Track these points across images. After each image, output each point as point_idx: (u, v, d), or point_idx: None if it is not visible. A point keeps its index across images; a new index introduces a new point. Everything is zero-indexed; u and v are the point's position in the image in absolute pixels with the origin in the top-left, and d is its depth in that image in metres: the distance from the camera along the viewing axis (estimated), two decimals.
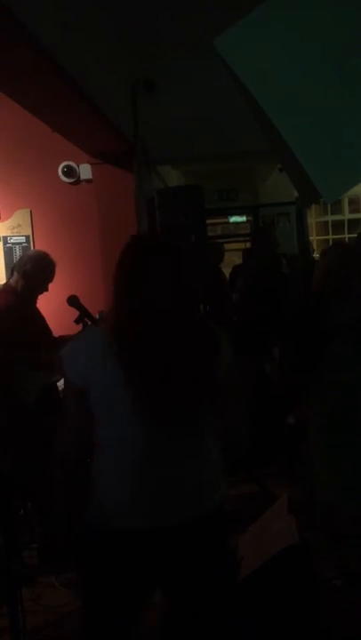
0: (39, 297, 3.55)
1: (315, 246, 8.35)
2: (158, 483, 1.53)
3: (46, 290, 3.41)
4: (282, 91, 1.30)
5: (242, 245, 8.39)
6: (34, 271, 3.28)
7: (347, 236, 9.04)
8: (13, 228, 5.02)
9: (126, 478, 1.54)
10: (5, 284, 3.59)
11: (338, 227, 9.16)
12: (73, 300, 2.90)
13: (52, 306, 3.76)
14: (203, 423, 1.60)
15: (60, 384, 3.15)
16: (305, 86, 1.30)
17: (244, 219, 8.34)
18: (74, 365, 1.57)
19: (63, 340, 3.25)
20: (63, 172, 4.98)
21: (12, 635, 2.09)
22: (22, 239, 5.02)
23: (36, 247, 5.04)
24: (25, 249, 5.02)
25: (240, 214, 8.25)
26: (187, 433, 1.57)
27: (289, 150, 1.27)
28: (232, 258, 7.94)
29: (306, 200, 1.51)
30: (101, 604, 1.55)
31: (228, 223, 8.51)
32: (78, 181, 5.02)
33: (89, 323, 2.82)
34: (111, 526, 1.52)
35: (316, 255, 7.44)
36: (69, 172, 4.97)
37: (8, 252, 5.01)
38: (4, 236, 5.01)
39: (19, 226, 5.02)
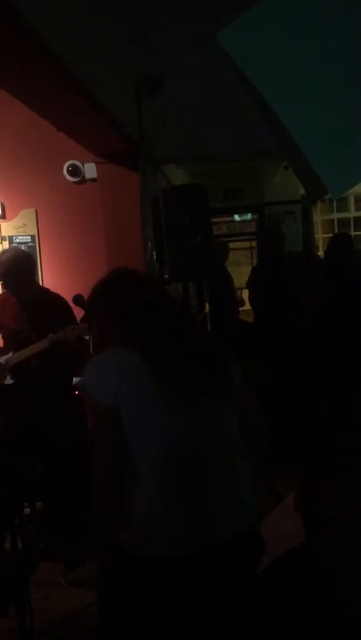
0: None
1: (320, 244, 8.32)
2: (199, 501, 1.51)
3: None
4: (287, 85, 1.29)
5: (247, 244, 8.38)
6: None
7: (352, 233, 9.00)
8: (19, 227, 5.02)
9: (167, 500, 1.50)
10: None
11: (344, 224, 9.12)
12: (79, 300, 2.89)
13: None
14: (234, 430, 1.61)
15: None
16: (310, 80, 1.28)
17: (249, 217, 8.32)
18: (105, 387, 1.53)
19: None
20: (68, 172, 4.98)
21: (20, 635, 2.09)
22: (28, 239, 5.02)
23: (42, 246, 5.05)
24: (31, 248, 5.02)
25: (245, 213, 8.22)
26: (223, 440, 1.58)
27: (295, 145, 1.25)
28: (237, 256, 7.94)
29: (312, 195, 1.49)
30: (134, 630, 1.52)
31: (233, 222, 8.48)
32: (83, 180, 5.02)
33: None
34: (153, 555, 1.49)
35: (320, 253, 7.42)
36: (74, 171, 4.97)
37: None
38: (9, 236, 5.01)
39: (24, 225, 5.02)
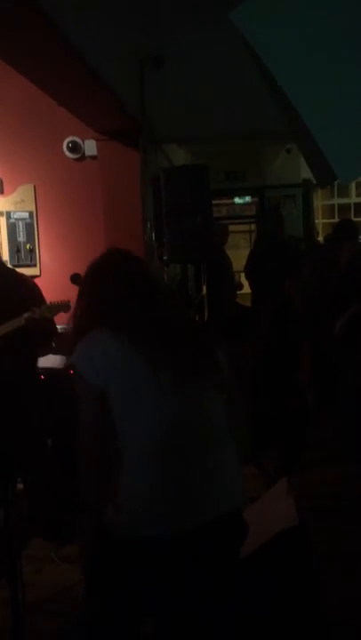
0: (42, 273, 3.52)
1: (320, 229, 8.29)
2: (184, 482, 1.52)
3: None
4: (299, 67, 1.27)
5: (246, 227, 8.34)
6: None
7: (353, 219, 8.98)
8: (17, 203, 4.97)
9: (152, 480, 1.51)
10: None
11: (344, 210, 9.10)
12: (76, 278, 2.87)
13: (55, 283, 3.75)
14: (221, 412, 1.62)
15: None
16: (323, 63, 1.26)
17: (249, 200, 8.27)
18: (94, 370, 1.53)
19: None
20: (68, 148, 4.92)
21: (12, 607, 2.12)
22: (26, 215, 4.98)
23: (40, 223, 5.01)
24: (29, 225, 4.98)
25: (246, 195, 8.17)
26: (210, 422, 1.59)
27: (305, 128, 1.23)
28: (236, 239, 7.90)
29: (321, 181, 1.48)
30: (117, 608, 1.54)
31: (233, 204, 8.43)
32: (83, 158, 4.96)
33: None
34: (137, 535, 1.50)
35: (320, 239, 7.40)
36: (74, 147, 4.92)
37: (11, 228, 4.97)
38: (7, 211, 4.96)
39: (22, 201, 4.97)
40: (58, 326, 3.32)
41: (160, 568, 1.51)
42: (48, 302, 3.15)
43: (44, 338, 3.20)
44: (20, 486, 3.28)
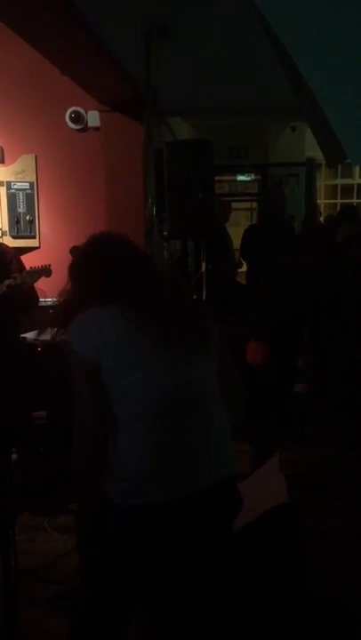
0: (41, 245, 3.48)
1: (322, 210, 8.23)
2: (178, 451, 1.56)
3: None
4: (314, 40, 1.23)
5: (248, 205, 8.27)
6: None
7: (355, 200, 8.92)
8: (17, 173, 4.92)
9: (147, 450, 1.54)
10: None
11: (347, 191, 9.02)
12: (76, 252, 2.86)
13: (54, 255, 3.72)
14: (212, 382, 1.67)
15: None
16: (339, 37, 1.22)
17: (252, 177, 8.18)
18: (87, 341, 1.58)
19: None
20: (70, 118, 4.85)
21: (4, 575, 2.15)
22: (26, 185, 4.93)
23: (40, 195, 4.96)
24: (29, 196, 4.94)
25: (249, 172, 8.08)
26: (203, 394, 1.63)
27: (317, 105, 1.21)
28: (237, 217, 7.84)
29: (331, 159, 1.45)
30: (113, 577, 1.58)
31: (235, 181, 8.35)
32: (86, 128, 4.90)
33: None
34: (133, 503, 1.53)
35: (322, 219, 7.35)
36: (77, 118, 4.84)
37: (12, 198, 4.93)
38: (7, 182, 4.91)
39: (23, 171, 4.92)
40: (48, 300, 3.32)
41: (156, 536, 1.54)
42: (29, 268, 3.16)
43: (26, 304, 3.21)
44: (15, 457, 3.31)
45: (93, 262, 1.72)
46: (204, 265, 4.82)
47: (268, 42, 1.34)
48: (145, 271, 1.74)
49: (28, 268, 3.23)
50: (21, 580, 2.28)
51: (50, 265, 3.19)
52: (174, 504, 1.52)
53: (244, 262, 5.67)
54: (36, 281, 3.11)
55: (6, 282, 3.03)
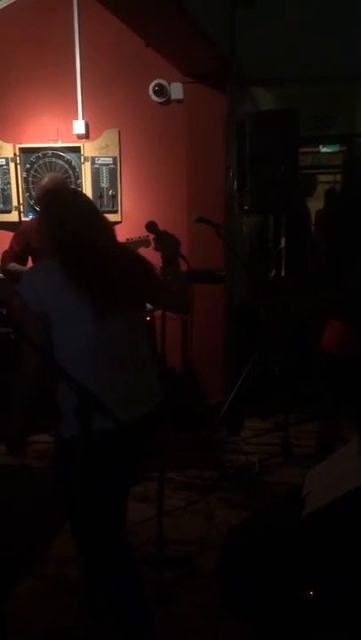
0: (123, 219, 3.47)
1: None
2: (120, 387, 1.92)
3: None
4: None
5: (331, 178, 7.97)
6: None
7: None
8: (102, 148, 4.99)
9: (95, 387, 1.66)
10: None
11: None
12: (151, 226, 2.86)
13: (135, 229, 3.77)
14: (143, 334, 2.10)
15: None
16: None
17: (336, 149, 7.86)
18: (32, 294, 1.89)
19: None
20: (154, 91, 4.84)
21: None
22: (110, 160, 5.00)
23: (123, 170, 5.01)
24: (112, 171, 5.00)
25: (333, 144, 7.76)
26: (132, 336, 2.01)
27: None
28: (319, 191, 7.58)
29: None
30: (106, 485, 1.91)
31: (318, 153, 8.06)
32: (169, 101, 4.87)
33: None
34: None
35: None
36: (160, 90, 4.83)
37: (95, 173, 5.02)
38: (92, 157, 5.00)
39: (107, 146, 4.98)
40: None
41: (115, 449, 1.90)
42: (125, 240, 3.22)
43: None
44: None
45: (44, 221, 2.01)
46: (283, 241, 4.72)
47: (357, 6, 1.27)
48: (92, 230, 1.96)
49: None
50: None
51: (148, 236, 3.21)
52: (121, 428, 1.70)
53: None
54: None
55: None
